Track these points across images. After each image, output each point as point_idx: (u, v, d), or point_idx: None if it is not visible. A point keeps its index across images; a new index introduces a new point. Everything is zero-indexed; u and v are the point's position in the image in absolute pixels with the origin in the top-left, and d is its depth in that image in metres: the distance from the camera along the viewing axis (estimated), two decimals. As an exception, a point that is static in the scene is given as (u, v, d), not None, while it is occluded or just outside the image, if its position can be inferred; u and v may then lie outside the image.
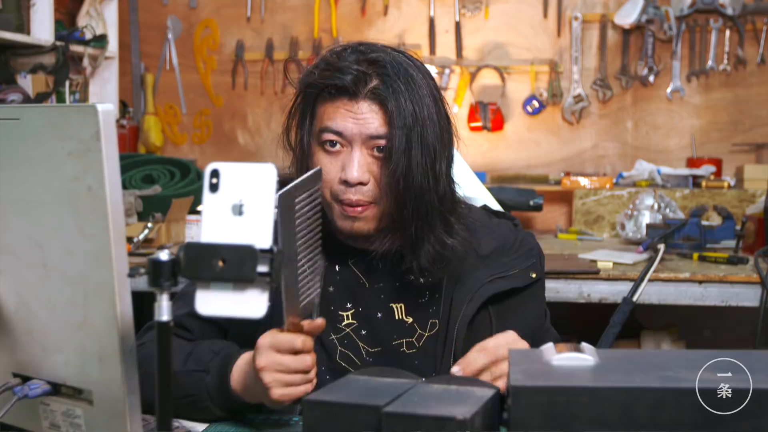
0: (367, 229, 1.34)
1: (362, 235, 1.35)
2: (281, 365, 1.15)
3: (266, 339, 1.16)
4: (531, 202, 3.14)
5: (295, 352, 1.15)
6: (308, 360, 1.16)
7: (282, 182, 1.44)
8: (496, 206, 1.73)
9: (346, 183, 1.30)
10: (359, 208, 1.32)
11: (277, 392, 1.15)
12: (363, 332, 1.38)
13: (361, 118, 1.29)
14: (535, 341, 1.43)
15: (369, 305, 1.39)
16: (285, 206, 1.11)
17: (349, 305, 1.39)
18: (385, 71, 1.30)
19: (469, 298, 1.37)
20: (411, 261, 1.34)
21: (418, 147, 1.28)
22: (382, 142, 1.30)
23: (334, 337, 1.37)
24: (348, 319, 1.39)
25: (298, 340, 1.15)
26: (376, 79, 1.30)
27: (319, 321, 1.19)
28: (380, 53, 1.32)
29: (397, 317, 1.39)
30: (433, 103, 1.32)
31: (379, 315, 1.39)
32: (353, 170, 1.29)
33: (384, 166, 1.30)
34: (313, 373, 1.18)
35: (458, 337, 1.36)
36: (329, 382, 1.31)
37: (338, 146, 1.31)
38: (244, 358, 1.23)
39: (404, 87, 1.29)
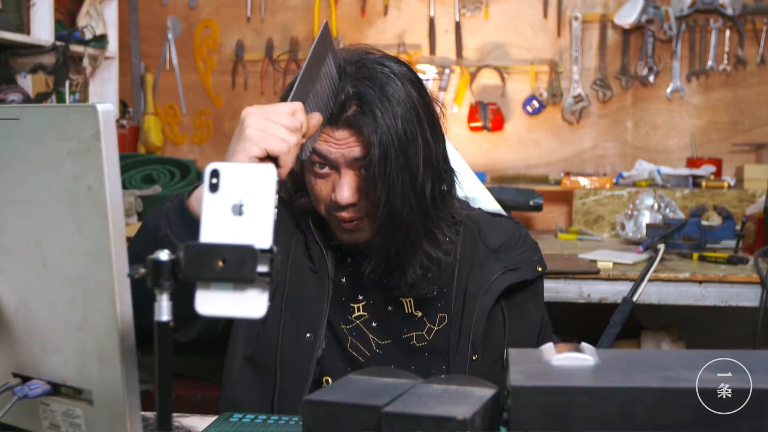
0: (365, 238, 1.37)
1: (362, 244, 1.37)
2: (270, 112, 1.14)
3: (255, 107, 1.17)
4: (531, 202, 3.14)
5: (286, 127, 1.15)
6: (299, 119, 1.16)
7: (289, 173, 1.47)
8: (496, 206, 1.74)
9: (337, 204, 1.32)
10: (355, 223, 1.35)
11: (251, 131, 1.13)
12: (374, 324, 1.40)
13: (342, 143, 1.30)
14: (539, 338, 1.45)
15: (379, 298, 1.41)
16: (325, 35, 1.24)
17: (360, 297, 1.41)
18: (363, 96, 1.29)
19: (485, 290, 1.40)
20: (399, 278, 1.36)
21: (398, 169, 1.28)
22: (365, 163, 1.30)
23: (344, 327, 1.40)
24: (359, 311, 1.41)
25: (297, 104, 1.16)
26: (354, 105, 1.29)
27: (316, 120, 1.21)
28: (359, 72, 1.31)
29: (407, 311, 1.41)
30: (416, 119, 1.30)
31: (390, 308, 1.41)
32: (343, 193, 1.31)
33: (370, 184, 1.31)
34: (296, 138, 1.15)
35: (476, 329, 1.38)
36: (343, 368, 1.33)
37: (326, 168, 1.32)
38: None
39: (383, 109, 1.28)
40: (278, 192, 0.85)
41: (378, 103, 1.28)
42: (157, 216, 1.24)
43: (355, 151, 1.30)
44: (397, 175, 1.28)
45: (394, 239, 1.32)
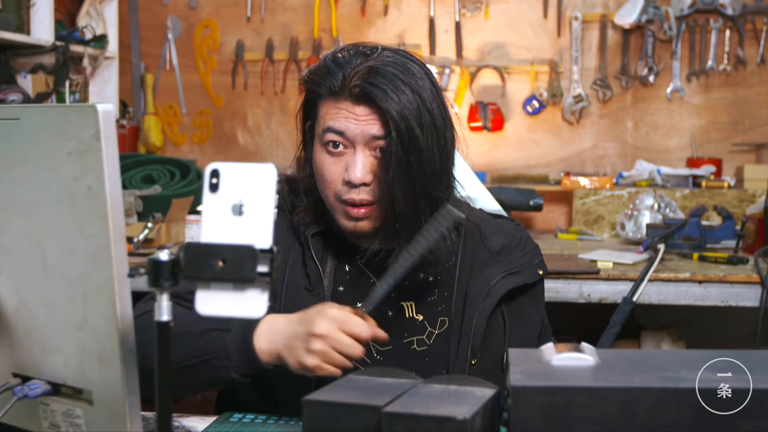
0: (369, 228, 1.35)
1: (365, 234, 1.36)
2: (339, 342, 1.18)
3: (335, 311, 1.20)
4: (531, 202, 3.14)
5: (356, 338, 1.19)
6: (360, 350, 1.20)
7: (285, 180, 1.46)
8: (496, 206, 1.74)
9: (349, 183, 1.31)
10: (363, 210, 1.33)
11: (315, 362, 1.18)
12: None
13: (362, 119, 1.30)
14: (539, 341, 1.45)
15: (379, 304, 1.39)
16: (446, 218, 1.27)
17: (359, 304, 1.39)
18: (386, 75, 1.29)
19: (485, 293, 1.39)
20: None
21: (415, 152, 1.28)
22: (383, 142, 1.30)
23: None
24: None
25: (367, 331, 1.20)
26: (376, 83, 1.29)
27: (383, 335, 1.24)
28: (383, 56, 1.32)
29: (407, 315, 1.40)
30: (436, 106, 1.32)
31: (390, 313, 1.40)
32: (356, 171, 1.30)
33: (384, 166, 1.30)
34: (360, 352, 1.20)
35: (476, 332, 1.38)
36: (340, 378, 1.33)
37: (341, 147, 1.32)
38: (275, 317, 1.24)
39: (405, 91, 1.29)
40: (276, 199, 0.85)
41: (400, 82, 1.29)
42: (212, 341, 1.23)
43: (375, 128, 1.29)
44: (414, 158, 1.28)
45: (403, 221, 1.31)
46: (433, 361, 1.40)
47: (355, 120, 1.30)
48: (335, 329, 1.18)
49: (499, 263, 1.42)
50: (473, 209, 1.51)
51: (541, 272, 1.46)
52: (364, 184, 1.31)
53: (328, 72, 1.32)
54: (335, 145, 1.32)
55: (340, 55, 1.34)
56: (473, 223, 1.46)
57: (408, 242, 1.32)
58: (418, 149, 1.28)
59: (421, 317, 1.40)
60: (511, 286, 1.40)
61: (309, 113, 1.38)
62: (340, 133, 1.31)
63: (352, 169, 1.30)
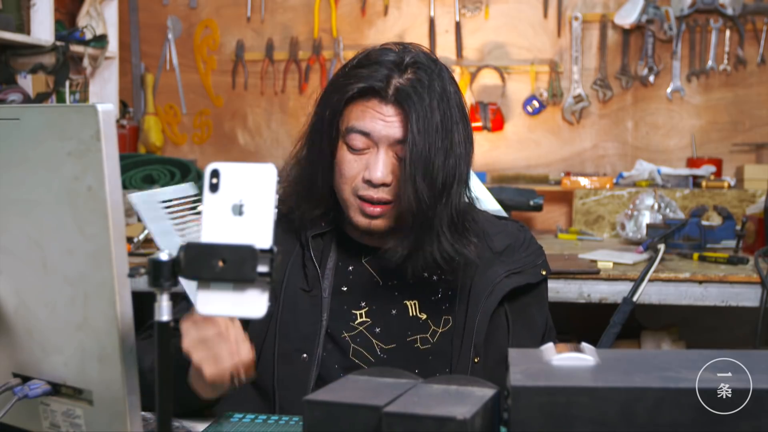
0: (383, 227, 1.36)
1: (378, 232, 1.36)
2: (206, 340, 1.12)
3: (188, 320, 1.13)
4: (531, 202, 3.14)
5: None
6: (232, 333, 1.14)
7: (289, 182, 1.45)
8: (496, 207, 1.74)
9: (369, 182, 1.31)
10: (378, 208, 1.33)
11: (209, 369, 1.12)
12: (377, 330, 1.40)
13: (390, 120, 1.30)
14: (543, 342, 1.45)
15: (383, 302, 1.40)
16: None
17: (362, 303, 1.40)
18: (419, 78, 1.30)
19: (488, 292, 1.39)
20: (415, 263, 1.35)
21: (440, 156, 1.28)
22: (407, 144, 1.30)
23: (346, 335, 1.39)
24: (362, 317, 1.40)
25: (221, 321, 1.13)
26: (408, 84, 1.30)
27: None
28: (416, 59, 1.33)
29: (411, 314, 1.41)
30: (460, 114, 1.33)
31: (394, 312, 1.40)
32: (378, 171, 1.31)
33: (404, 169, 1.31)
34: (242, 349, 1.14)
35: (479, 331, 1.38)
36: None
37: (363, 145, 1.32)
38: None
39: (435, 96, 1.30)
40: (275, 205, 0.85)
41: (431, 87, 1.30)
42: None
43: (400, 130, 1.30)
44: (439, 160, 1.28)
45: (421, 225, 1.31)
46: (436, 360, 1.40)
47: (382, 120, 1.30)
48: (195, 332, 1.13)
49: (502, 263, 1.43)
50: (478, 210, 1.51)
51: (544, 272, 1.46)
52: (384, 185, 1.31)
53: (364, 68, 1.32)
54: (358, 144, 1.32)
55: (377, 52, 1.34)
56: (477, 223, 1.46)
57: (418, 244, 1.32)
58: (441, 156, 1.28)
59: (424, 316, 1.41)
60: (514, 285, 1.41)
61: (334, 104, 1.36)
62: (366, 134, 1.31)
63: (374, 169, 1.31)
